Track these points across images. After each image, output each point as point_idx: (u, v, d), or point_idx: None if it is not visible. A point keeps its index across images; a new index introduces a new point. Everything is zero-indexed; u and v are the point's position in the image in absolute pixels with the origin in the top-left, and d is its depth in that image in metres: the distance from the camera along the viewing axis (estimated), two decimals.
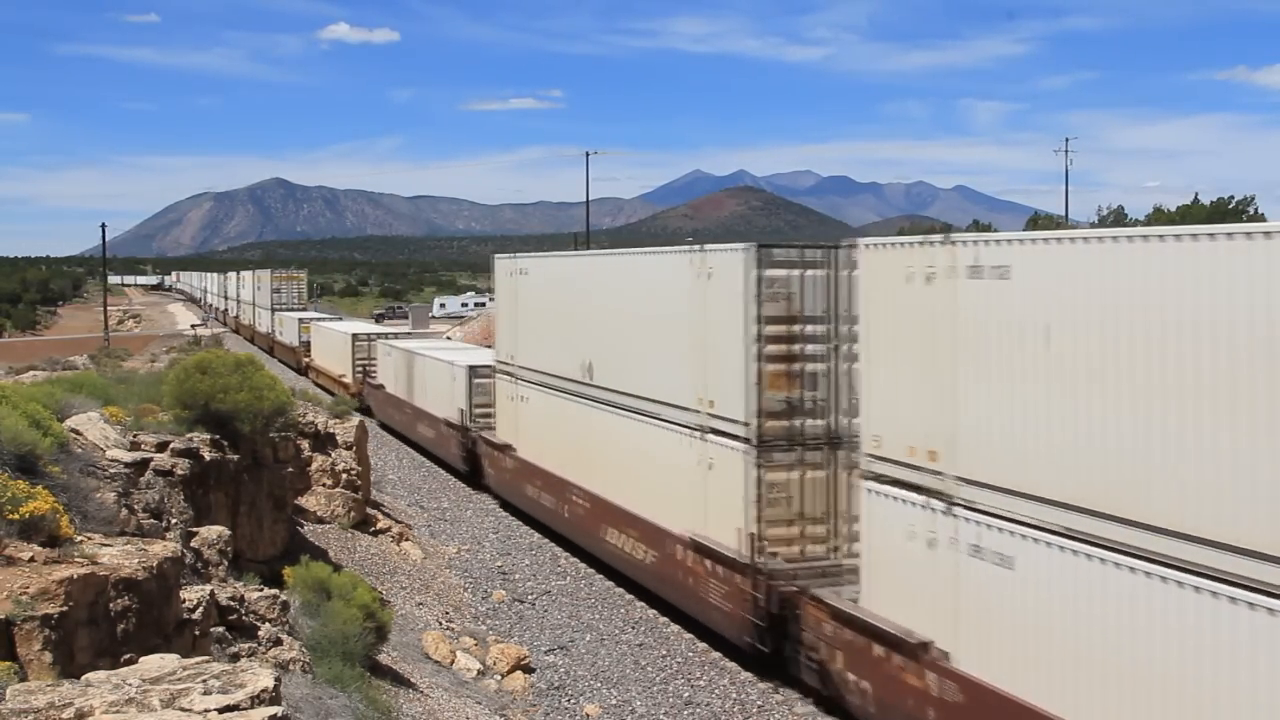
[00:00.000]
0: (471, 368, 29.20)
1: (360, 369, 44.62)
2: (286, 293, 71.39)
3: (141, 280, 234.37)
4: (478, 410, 28.55)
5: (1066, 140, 78.84)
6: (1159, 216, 62.34)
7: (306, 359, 55.76)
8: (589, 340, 20.43)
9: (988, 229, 65.19)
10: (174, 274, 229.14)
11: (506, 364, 25.54)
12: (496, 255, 27.33)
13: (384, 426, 39.89)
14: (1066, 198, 79.56)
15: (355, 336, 45.93)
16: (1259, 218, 55.68)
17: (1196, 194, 61.62)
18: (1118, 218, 59.37)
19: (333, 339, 50.23)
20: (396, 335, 46.39)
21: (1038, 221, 53.21)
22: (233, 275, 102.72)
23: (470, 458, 28.79)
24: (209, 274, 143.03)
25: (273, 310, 69.99)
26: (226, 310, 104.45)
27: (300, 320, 60.33)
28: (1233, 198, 58.00)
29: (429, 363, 33.51)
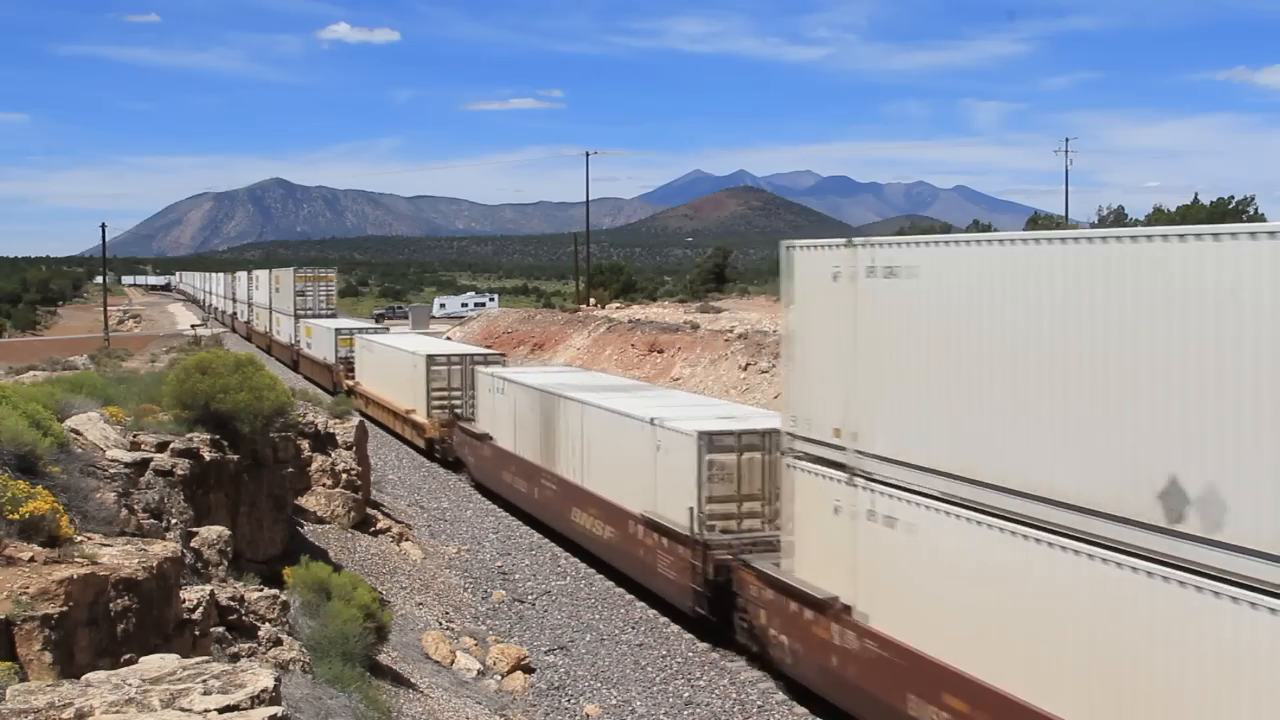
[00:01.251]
0: (706, 435, 17.13)
1: (442, 405, 32.99)
2: (313, 296, 59.86)
3: (152, 280, 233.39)
4: (712, 509, 17.02)
5: (1066, 140, 79.10)
6: (1158, 217, 62.43)
7: (348, 381, 44.74)
8: (1182, 433, 9.04)
9: (988, 229, 65.24)
10: (177, 274, 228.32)
11: (827, 445, 13.55)
12: (795, 243, 14.73)
13: (483, 489, 28.98)
14: (1066, 198, 79.74)
15: (432, 360, 33.49)
16: (1259, 218, 55.79)
17: (1196, 194, 61.86)
18: (1118, 218, 59.42)
19: (392, 360, 38.29)
20: (486, 357, 35.13)
21: (1038, 221, 53.19)
22: (242, 275, 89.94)
23: (717, 598, 16.69)
24: (215, 274, 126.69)
25: (296, 317, 58.85)
26: (235, 315, 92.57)
27: (338, 331, 48.60)
28: (1233, 198, 58.18)
29: (601, 416, 20.99)
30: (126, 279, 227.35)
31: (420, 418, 33.65)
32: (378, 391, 39.47)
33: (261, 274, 75.35)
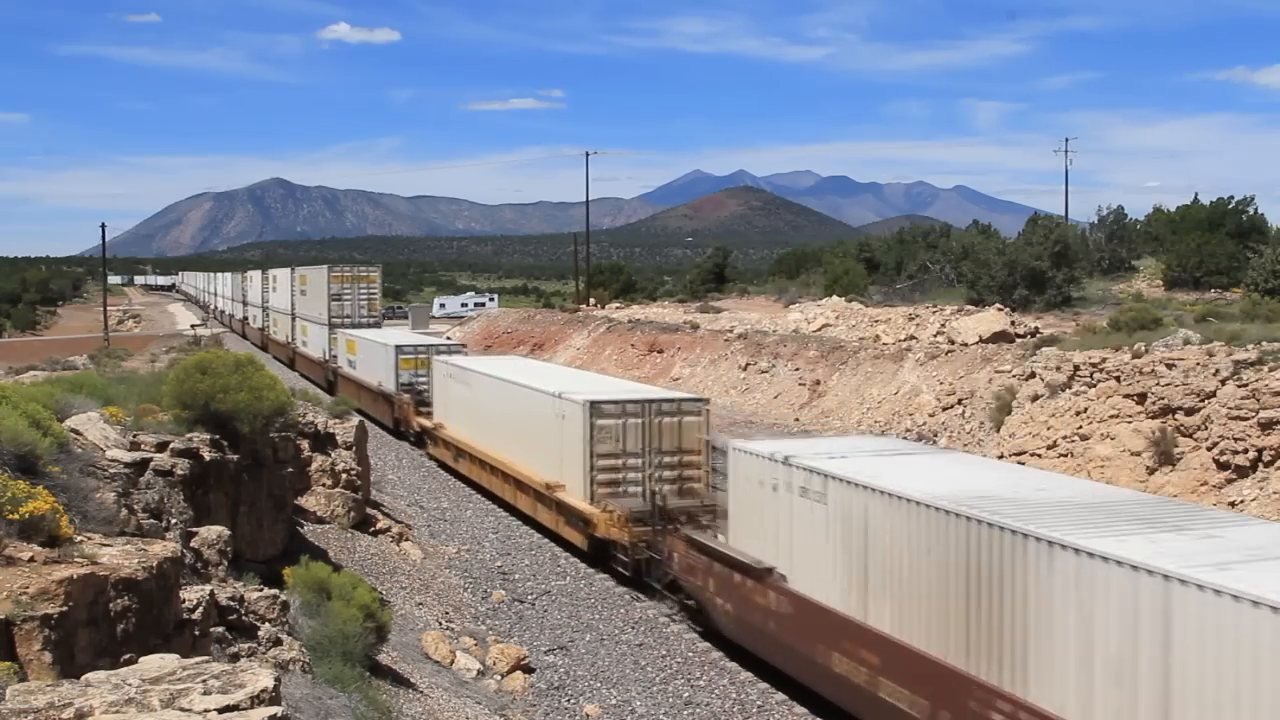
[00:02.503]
0: None
1: (613, 481, 20.98)
2: (352, 300, 47.85)
3: (161, 280, 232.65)
4: None
5: (1066, 140, 79.48)
6: (1159, 216, 62.40)
7: (422, 420, 33.11)
8: None
9: (987, 229, 65.17)
10: (179, 274, 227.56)
11: None
12: None
13: (747, 654, 16.43)
14: (1066, 198, 79.97)
15: (597, 409, 21.05)
16: (1259, 218, 55.77)
17: (1196, 194, 61.81)
18: (1118, 218, 59.41)
19: (509, 401, 25.82)
20: (680, 404, 21.65)
21: (1038, 221, 53.12)
22: (254, 274, 76.49)
23: None
24: (222, 275, 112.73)
25: (330, 326, 47.32)
26: (246, 320, 79.13)
27: (399, 350, 35.73)
28: (1232, 198, 58.16)
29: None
30: (139, 279, 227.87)
31: (577, 501, 21.20)
32: (480, 444, 27.47)
33: (281, 273, 63.19)
